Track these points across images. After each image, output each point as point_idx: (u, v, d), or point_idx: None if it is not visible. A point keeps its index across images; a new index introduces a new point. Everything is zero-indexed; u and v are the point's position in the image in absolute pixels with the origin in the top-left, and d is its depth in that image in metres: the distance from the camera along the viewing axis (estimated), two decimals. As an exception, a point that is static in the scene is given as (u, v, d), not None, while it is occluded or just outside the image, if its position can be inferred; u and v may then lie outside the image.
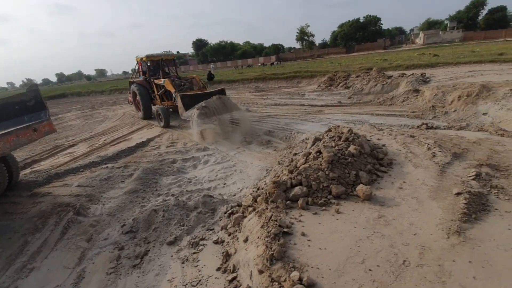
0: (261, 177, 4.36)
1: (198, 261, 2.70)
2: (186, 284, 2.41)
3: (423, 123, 4.87)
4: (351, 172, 2.65)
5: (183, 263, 2.71)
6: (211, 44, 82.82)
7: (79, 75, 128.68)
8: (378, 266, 1.83)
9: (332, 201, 2.40)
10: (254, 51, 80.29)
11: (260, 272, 1.80)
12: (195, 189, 4.35)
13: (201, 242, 2.97)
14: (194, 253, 2.82)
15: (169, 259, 2.80)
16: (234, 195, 3.97)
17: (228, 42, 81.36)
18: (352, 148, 2.91)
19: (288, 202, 2.42)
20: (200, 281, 2.41)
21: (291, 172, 2.71)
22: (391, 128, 5.26)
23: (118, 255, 2.96)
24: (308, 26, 61.05)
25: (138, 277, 2.62)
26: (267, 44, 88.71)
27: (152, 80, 9.48)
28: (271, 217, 2.17)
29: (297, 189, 2.47)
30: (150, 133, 7.95)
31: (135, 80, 10.30)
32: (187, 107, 6.91)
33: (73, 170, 5.40)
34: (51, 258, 3.01)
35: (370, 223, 2.23)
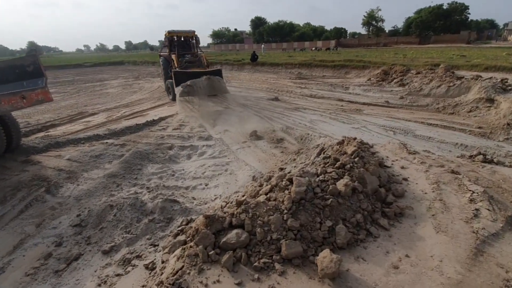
0: (244, 186, 3.63)
1: (114, 288, 2.19)
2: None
3: (479, 153, 3.47)
4: (325, 222, 1.77)
5: (99, 286, 2.23)
6: (269, 24, 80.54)
7: (144, 44, 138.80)
8: None
9: (277, 266, 1.60)
10: (313, 33, 75.81)
11: None
12: (172, 185, 3.85)
13: (133, 262, 2.45)
14: (117, 274, 2.32)
15: (90, 274, 2.36)
16: (205, 204, 3.35)
17: (287, 22, 78.09)
18: (341, 184, 1.98)
19: (215, 250, 1.69)
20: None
21: (239, 204, 1.94)
22: (431, 152, 3.96)
23: (50, 253, 2.63)
24: (380, 10, 54.74)
25: (48, 289, 2.23)
26: (328, 27, 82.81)
27: (169, 54, 9.73)
28: (177, 272, 1.49)
29: (233, 234, 1.72)
30: (167, 112, 7.70)
31: (161, 53, 10.54)
32: (177, 83, 7.66)
33: (74, 140, 5.37)
34: (-9, 239, 2.83)
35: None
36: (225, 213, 1.88)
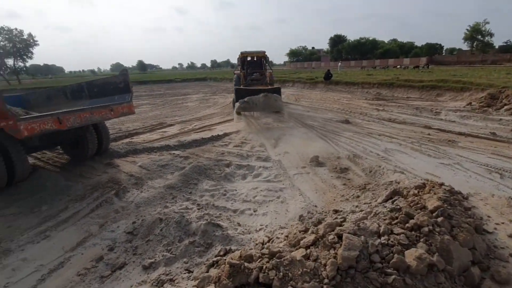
0: (292, 221, 3.24)
1: (141, 312, 2.13)
2: None
3: None
4: None
5: (129, 304, 2.22)
6: (349, 41, 77.85)
7: (227, 63, 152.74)
8: None
9: None
10: (399, 50, 69.61)
11: None
12: (221, 206, 3.77)
13: (166, 285, 2.38)
14: (148, 296, 2.27)
15: (126, 288, 2.38)
16: (249, 233, 3.11)
17: (370, 39, 73.97)
18: (412, 255, 1.45)
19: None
20: None
21: (272, 255, 1.61)
22: None
23: (102, 256, 2.81)
24: (487, 23, 46.43)
25: (88, 295, 2.33)
26: (419, 43, 74.73)
27: (241, 72, 10.90)
28: None
29: (257, 294, 1.41)
30: (232, 128, 7.94)
31: (235, 72, 11.75)
32: (237, 98, 8.36)
33: (149, 149, 5.99)
34: (63, 233, 3.24)
35: None
36: (258, 256, 1.59)
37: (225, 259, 2.29)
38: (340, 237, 1.60)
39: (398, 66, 43.82)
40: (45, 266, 2.68)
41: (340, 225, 1.85)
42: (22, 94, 6.38)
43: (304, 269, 1.43)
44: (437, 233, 1.59)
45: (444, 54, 62.23)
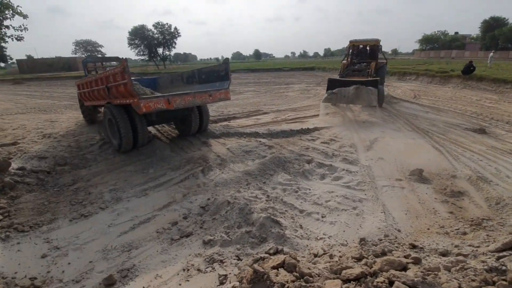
0: (364, 237, 2.74)
1: (188, 281, 2.34)
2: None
3: None
4: None
5: (183, 270, 2.48)
6: (512, 25, 57.59)
7: (341, 51, 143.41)
8: None
9: None
10: None
11: None
12: (289, 202, 3.64)
13: (215, 265, 2.53)
14: (198, 270, 2.47)
15: (185, 255, 2.68)
16: (307, 239, 2.87)
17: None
18: None
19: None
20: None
21: (301, 275, 1.37)
22: None
23: (176, 221, 3.26)
24: None
25: (157, 251, 2.75)
26: None
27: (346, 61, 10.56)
28: None
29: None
30: (325, 123, 7.44)
31: (343, 61, 10.85)
32: (328, 89, 8.21)
33: (240, 133, 6.41)
34: (157, 194, 3.93)
35: None
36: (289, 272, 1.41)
37: (271, 258, 2.20)
38: (391, 283, 1.19)
39: None
40: (138, 218, 3.34)
41: (405, 268, 1.40)
42: (157, 77, 8.03)
43: None
44: None
45: None
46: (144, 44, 42.99)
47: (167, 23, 44.08)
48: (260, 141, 5.97)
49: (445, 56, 58.73)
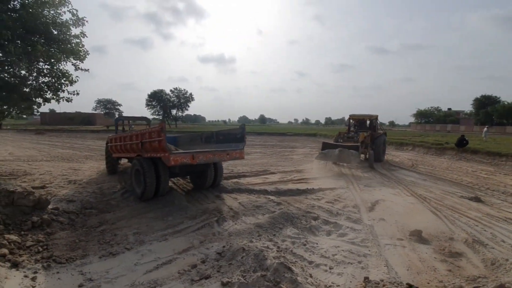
0: (365, 277, 3.00)
1: (210, 317, 2.59)
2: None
3: None
4: None
5: (204, 307, 2.73)
6: (505, 103, 62.68)
7: (341, 120, 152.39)
8: None
9: None
10: None
11: None
12: (299, 254, 3.94)
13: (234, 304, 2.78)
14: (218, 307, 2.72)
15: (205, 295, 2.93)
16: (318, 286, 3.13)
17: (539, 101, 57.24)
18: None
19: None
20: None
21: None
22: None
23: (195, 264, 3.55)
24: None
25: (181, 290, 3.02)
26: None
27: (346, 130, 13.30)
28: None
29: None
30: (329, 184, 7.98)
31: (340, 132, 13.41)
32: (322, 149, 10.98)
33: (250, 190, 6.91)
34: (176, 240, 4.26)
35: None
36: None
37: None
38: None
39: None
40: (160, 259, 3.64)
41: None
42: (177, 136, 8.99)
43: None
44: None
45: None
46: (160, 105, 47.01)
47: (184, 89, 49.10)
48: (269, 198, 6.44)
49: (441, 130, 62.12)
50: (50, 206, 4.73)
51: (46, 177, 7.63)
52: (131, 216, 5.08)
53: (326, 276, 3.42)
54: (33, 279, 2.90)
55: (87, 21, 6.89)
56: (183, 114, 56.20)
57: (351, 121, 13.71)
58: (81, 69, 7.02)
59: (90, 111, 59.29)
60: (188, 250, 3.94)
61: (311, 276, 3.37)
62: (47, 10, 6.25)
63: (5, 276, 2.69)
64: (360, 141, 11.41)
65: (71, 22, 6.59)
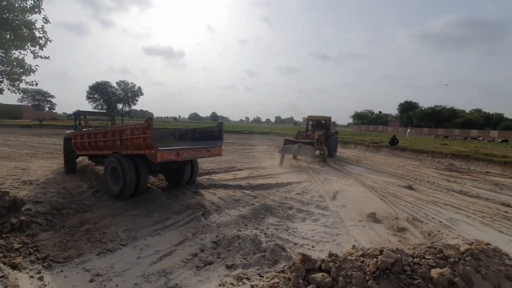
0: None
1: (227, 293, 2.95)
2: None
3: None
4: None
5: (219, 286, 3.08)
6: (422, 108, 74.66)
7: (290, 119, 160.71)
8: None
9: (350, 313, 1.85)
10: (485, 122, 63.28)
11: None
12: (284, 238, 4.50)
13: (244, 280, 3.19)
14: (232, 284, 3.10)
15: (215, 276, 3.27)
16: (307, 261, 3.74)
17: (447, 107, 69.59)
18: (436, 272, 2.01)
19: (303, 281, 2.15)
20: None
21: (330, 255, 2.33)
22: None
23: (196, 253, 3.82)
24: None
25: (191, 274, 3.29)
26: (511, 114, 67.09)
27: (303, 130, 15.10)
28: (273, 284, 2.10)
29: (319, 275, 2.13)
30: (294, 178, 8.81)
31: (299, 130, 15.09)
32: (284, 144, 12.52)
33: (225, 185, 7.26)
34: (169, 234, 4.42)
35: None
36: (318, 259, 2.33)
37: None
38: (381, 252, 2.22)
39: (480, 138, 39.55)
40: (160, 252, 3.80)
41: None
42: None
43: (353, 265, 2.11)
44: (461, 264, 2.07)
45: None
46: (104, 99, 42.87)
47: (131, 82, 45.60)
48: (244, 192, 6.89)
49: (373, 130, 70.67)
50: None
51: (-10, 178, 6.70)
52: (113, 215, 4.98)
53: (311, 253, 4.05)
54: (40, 278, 2.83)
55: (43, 9, 6.26)
56: (129, 109, 52.26)
57: (309, 121, 15.04)
58: (41, 57, 6.35)
59: (16, 103, 50.46)
60: (184, 242, 4.16)
61: (299, 254, 3.97)
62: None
63: (15, 277, 2.59)
64: (316, 138, 12.74)
65: (27, 7, 5.93)
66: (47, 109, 62.18)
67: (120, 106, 45.21)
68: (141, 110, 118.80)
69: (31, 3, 5.97)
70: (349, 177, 9.62)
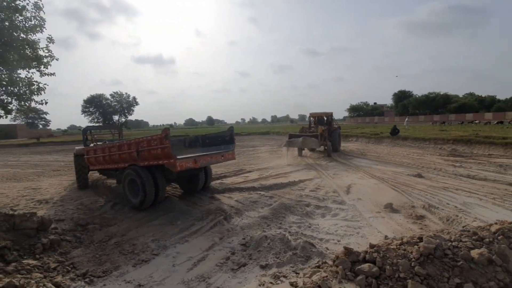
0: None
1: (269, 291, 3.04)
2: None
3: None
4: (453, 279, 1.96)
5: (259, 285, 3.16)
6: (416, 96, 75.52)
7: (286, 118, 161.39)
8: None
9: (403, 299, 1.95)
10: (479, 105, 64.12)
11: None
12: (309, 234, 4.59)
13: (282, 278, 3.27)
14: (271, 283, 3.19)
15: (253, 277, 3.35)
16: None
17: (441, 93, 70.44)
18: (476, 252, 2.12)
19: (350, 273, 2.25)
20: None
21: (372, 246, 2.43)
22: None
23: (228, 257, 3.89)
24: None
25: (229, 277, 3.37)
26: (502, 96, 68.05)
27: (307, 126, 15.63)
28: (320, 279, 2.20)
29: (365, 265, 2.23)
30: (305, 176, 8.92)
31: (303, 126, 15.92)
32: (289, 138, 13.35)
33: (239, 188, 7.34)
34: (197, 239, 4.49)
35: None
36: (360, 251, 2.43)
37: (327, 263, 3.12)
38: (421, 239, 2.33)
39: (477, 121, 40.08)
40: (193, 258, 3.87)
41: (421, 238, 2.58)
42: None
43: (397, 253, 2.21)
44: (496, 243, 2.19)
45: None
46: (100, 111, 42.73)
47: (126, 93, 45.53)
48: (259, 193, 6.98)
49: (370, 122, 71.15)
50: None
51: (5, 200, 6.72)
52: (137, 226, 5.04)
53: (338, 247, 4.14)
54: (88, 293, 2.90)
55: (45, 28, 6.31)
56: (125, 120, 52.09)
57: (311, 118, 15.21)
58: (47, 74, 6.40)
59: (9, 122, 49.95)
60: (213, 247, 4.23)
61: (327, 249, 4.07)
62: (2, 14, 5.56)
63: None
64: (319, 133, 12.92)
65: (31, 26, 5.98)
66: (41, 126, 61.77)
67: (116, 117, 45.14)
68: (136, 120, 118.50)
69: (34, 22, 6.04)
70: (358, 170, 9.75)
